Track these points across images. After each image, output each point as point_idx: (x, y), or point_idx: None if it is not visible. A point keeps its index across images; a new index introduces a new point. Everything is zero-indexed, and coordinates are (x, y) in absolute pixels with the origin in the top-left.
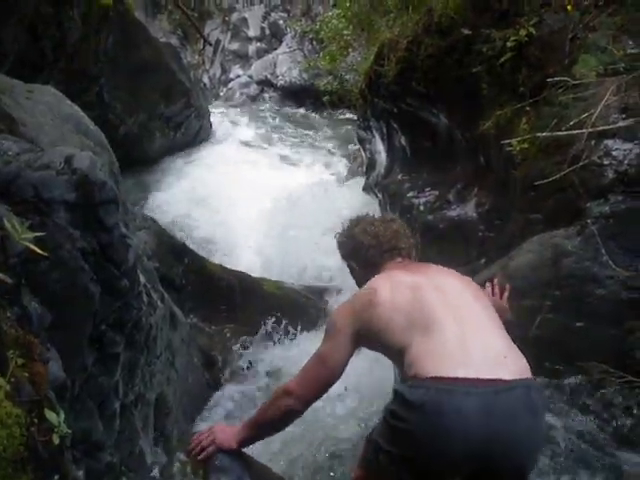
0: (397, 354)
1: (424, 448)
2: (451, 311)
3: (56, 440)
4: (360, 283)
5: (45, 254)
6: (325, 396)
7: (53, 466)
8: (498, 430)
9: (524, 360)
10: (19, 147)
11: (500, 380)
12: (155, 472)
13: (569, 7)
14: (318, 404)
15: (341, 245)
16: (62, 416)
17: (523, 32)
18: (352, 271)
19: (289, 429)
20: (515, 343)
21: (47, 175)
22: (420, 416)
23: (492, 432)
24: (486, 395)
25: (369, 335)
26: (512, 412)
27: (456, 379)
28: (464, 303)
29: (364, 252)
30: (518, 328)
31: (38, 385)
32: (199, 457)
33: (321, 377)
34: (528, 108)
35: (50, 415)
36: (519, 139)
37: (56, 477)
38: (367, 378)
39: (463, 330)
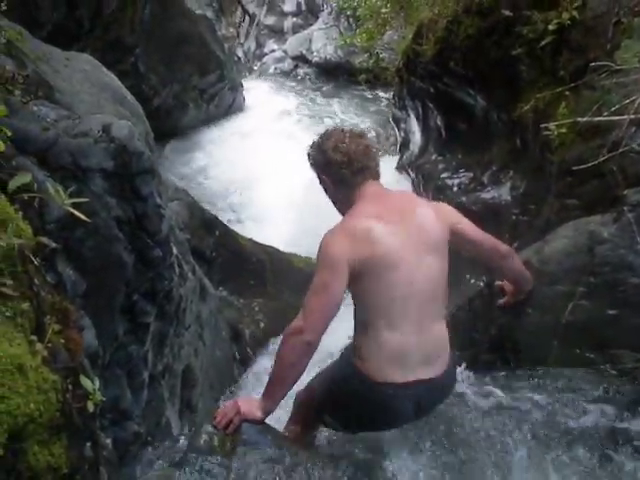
0: (361, 315)
1: (372, 413)
2: (417, 303)
3: (90, 407)
4: (335, 201)
5: (87, 219)
6: None
7: (86, 433)
8: (425, 404)
9: (448, 350)
10: (57, 114)
11: (429, 379)
12: (181, 443)
13: None
14: None
15: (313, 159)
16: (97, 383)
17: (566, 15)
18: (325, 186)
19: None
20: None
21: (85, 143)
22: (371, 404)
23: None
24: (418, 391)
25: (361, 271)
26: (435, 397)
27: (398, 384)
28: (428, 287)
29: (336, 170)
30: (550, 313)
31: (73, 352)
32: (226, 430)
33: (326, 306)
34: (567, 92)
35: (85, 382)
36: (558, 123)
37: (88, 444)
38: None
39: (417, 332)
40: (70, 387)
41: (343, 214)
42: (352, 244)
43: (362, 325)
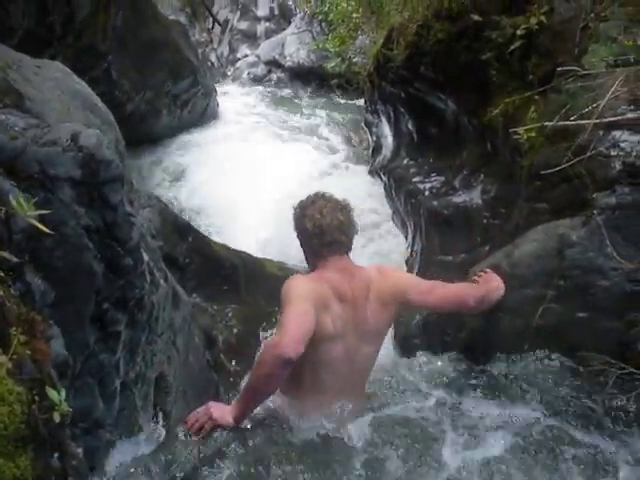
0: (300, 368)
1: None
2: (343, 385)
3: (57, 418)
4: (306, 259)
5: (49, 231)
6: None
7: (53, 444)
8: None
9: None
10: (25, 122)
11: None
12: (155, 449)
13: None
14: None
15: (293, 218)
16: (63, 394)
17: (534, 20)
18: (300, 243)
19: None
20: None
21: (53, 151)
22: None
23: None
24: None
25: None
26: None
27: None
28: (357, 369)
29: (307, 237)
30: (520, 317)
31: (40, 363)
32: (198, 434)
33: (306, 325)
34: (537, 97)
35: (51, 393)
36: (526, 128)
37: (56, 455)
38: None
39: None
40: (36, 398)
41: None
42: (313, 296)
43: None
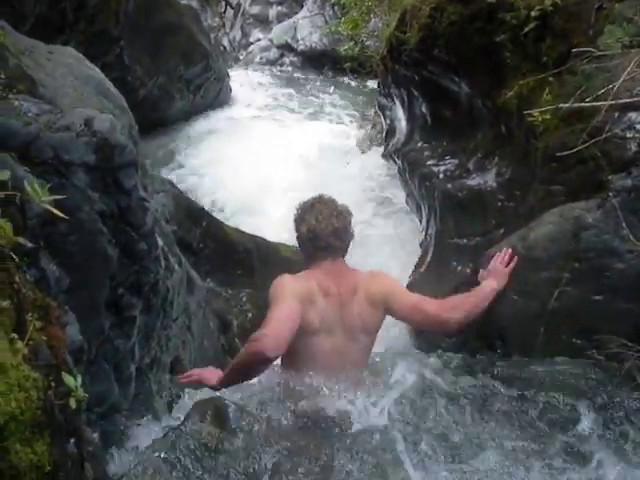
0: (290, 360)
1: None
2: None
3: (73, 404)
4: (304, 257)
5: (64, 216)
6: None
7: (69, 430)
8: None
9: None
10: (39, 108)
11: None
12: (169, 434)
13: None
14: None
15: (294, 222)
16: (79, 380)
17: (548, 1)
18: (297, 244)
19: None
20: None
21: (67, 137)
22: None
23: None
24: None
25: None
26: None
27: None
28: (347, 365)
29: (303, 240)
30: (536, 300)
31: (56, 349)
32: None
33: (289, 324)
34: (551, 78)
35: (68, 379)
36: (541, 110)
37: (72, 440)
38: None
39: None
40: (52, 384)
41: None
42: (299, 292)
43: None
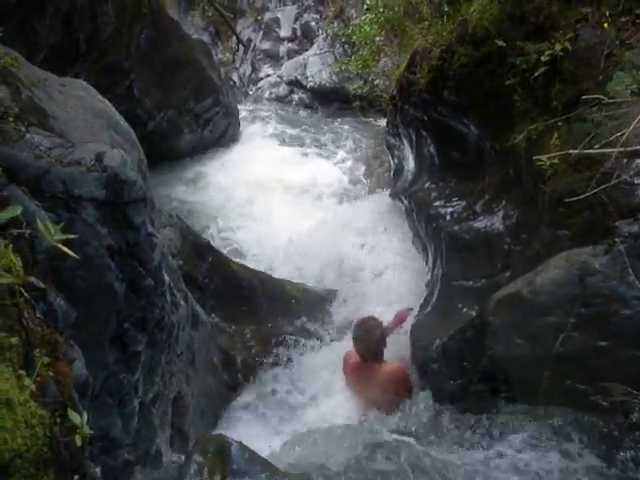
0: None
1: None
2: None
3: (78, 441)
4: None
5: (75, 255)
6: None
7: (74, 467)
8: None
9: None
10: (50, 142)
11: None
12: (171, 471)
13: (605, 25)
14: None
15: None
16: (85, 417)
17: (558, 46)
18: None
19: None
20: None
21: (77, 171)
22: None
23: None
24: None
25: None
26: None
27: None
28: None
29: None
30: (541, 344)
31: (62, 385)
32: None
33: None
34: (560, 123)
35: (73, 416)
36: (550, 155)
37: (76, 477)
38: None
39: None
40: (58, 420)
41: None
42: None
43: None
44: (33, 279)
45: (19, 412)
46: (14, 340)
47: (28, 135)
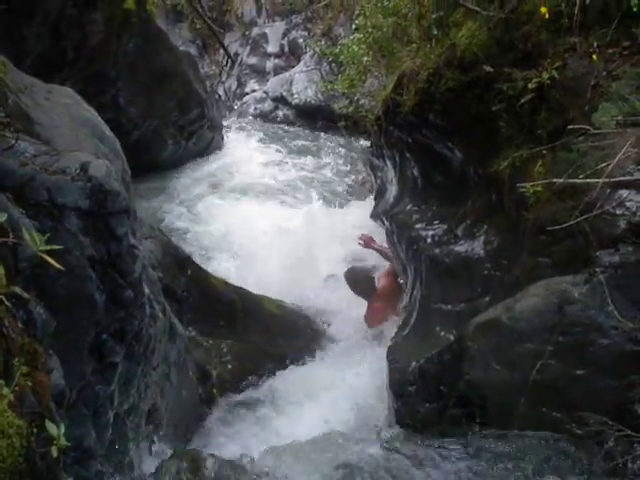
0: None
1: None
2: None
3: (55, 453)
4: None
5: (60, 267)
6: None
7: (49, 478)
8: None
9: None
10: (35, 149)
11: None
12: None
13: (594, 56)
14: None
15: None
16: (62, 429)
17: (546, 75)
18: None
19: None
20: None
21: (62, 180)
22: None
23: None
24: None
25: None
26: None
27: None
28: None
29: None
30: (518, 371)
31: (40, 395)
32: None
33: None
34: (545, 151)
35: (51, 427)
36: (534, 183)
37: None
38: None
39: None
40: (35, 431)
41: None
42: None
43: None
44: (17, 289)
45: None
46: None
47: (13, 141)
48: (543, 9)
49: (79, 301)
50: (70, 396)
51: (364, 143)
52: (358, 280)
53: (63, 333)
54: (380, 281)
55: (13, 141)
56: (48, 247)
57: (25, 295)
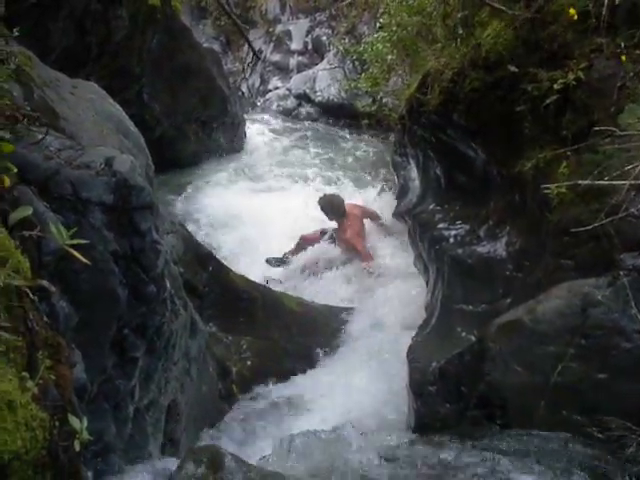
0: None
1: None
2: None
3: (77, 446)
4: None
5: (87, 261)
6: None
7: (71, 471)
8: None
9: None
10: (60, 143)
11: None
12: (163, 479)
13: (623, 57)
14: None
15: None
16: (85, 422)
17: (571, 75)
18: None
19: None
20: None
21: (86, 174)
22: None
23: None
24: None
25: None
26: None
27: None
28: None
29: None
30: (539, 373)
31: (63, 389)
32: None
33: None
34: (569, 153)
35: (73, 421)
36: (559, 184)
37: None
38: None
39: None
40: (57, 424)
41: None
42: None
43: None
44: (44, 282)
45: (20, 414)
46: (18, 342)
47: (39, 135)
48: (572, 10)
49: (102, 295)
50: (91, 390)
51: (387, 141)
52: (330, 203)
53: (85, 327)
54: (348, 207)
55: (41, 135)
56: (74, 241)
57: (52, 288)
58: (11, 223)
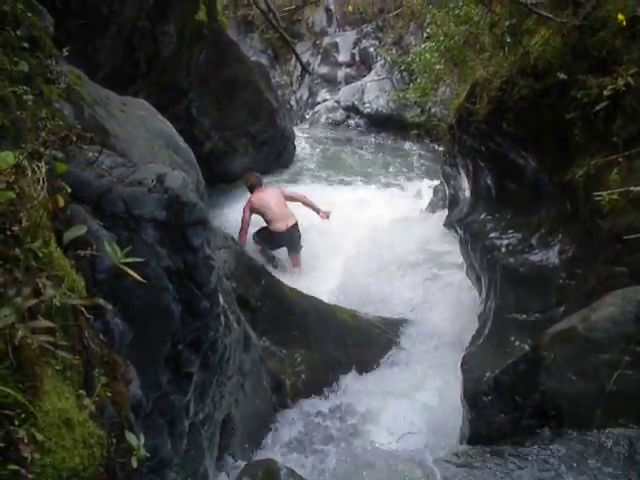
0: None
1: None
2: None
3: (134, 463)
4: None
5: (142, 280)
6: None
7: None
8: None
9: (294, 215)
10: (112, 161)
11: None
12: None
13: None
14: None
15: None
16: (142, 439)
17: (621, 81)
18: None
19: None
20: None
21: (138, 192)
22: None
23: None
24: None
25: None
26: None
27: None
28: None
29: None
30: (594, 382)
31: (119, 406)
32: None
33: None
34: (620, 159)
35: (130, 437)
36: (612, 191)
37: None
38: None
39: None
40: (114, 441)
41: None
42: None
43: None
44: (101, 301)
45: (77, 432)
46: (75, 360)
47: (90, 154)
48: (620, 16)
49: (156, 312)
50: (147, 406)
51: (437, 151)
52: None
53: (140, 344)
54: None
55: (94, 154)
56: (129, 259)
57: (108, 306)
58: (65, 242)
